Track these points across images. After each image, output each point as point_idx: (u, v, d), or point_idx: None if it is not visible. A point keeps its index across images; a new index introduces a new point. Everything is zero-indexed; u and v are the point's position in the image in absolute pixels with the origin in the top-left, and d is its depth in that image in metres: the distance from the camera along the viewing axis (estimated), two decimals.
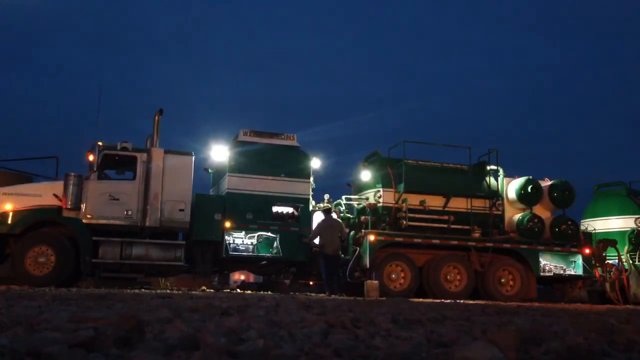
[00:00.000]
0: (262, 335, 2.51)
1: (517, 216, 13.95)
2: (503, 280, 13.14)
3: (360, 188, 14.08)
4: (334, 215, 12.79)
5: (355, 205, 13.81)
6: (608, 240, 14.43)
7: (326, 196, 13.57)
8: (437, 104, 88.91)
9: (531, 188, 13.88)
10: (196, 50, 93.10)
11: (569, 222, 14.02)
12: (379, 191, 13.26)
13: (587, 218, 16.30)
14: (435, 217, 13.18)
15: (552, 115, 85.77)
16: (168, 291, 10.80)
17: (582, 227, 14.92)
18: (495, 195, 13.83)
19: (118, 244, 11.39)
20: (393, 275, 12.50)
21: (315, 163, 13.30)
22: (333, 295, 10.94)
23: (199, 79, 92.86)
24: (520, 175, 14.33)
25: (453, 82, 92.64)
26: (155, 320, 3.15)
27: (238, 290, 15.57)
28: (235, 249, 12.17)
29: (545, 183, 14.33)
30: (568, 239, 13.88)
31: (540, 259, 13.49)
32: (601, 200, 16.64)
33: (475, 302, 10.81)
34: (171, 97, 75.00)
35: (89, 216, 11.37)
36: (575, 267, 13.74)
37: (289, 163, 12.97)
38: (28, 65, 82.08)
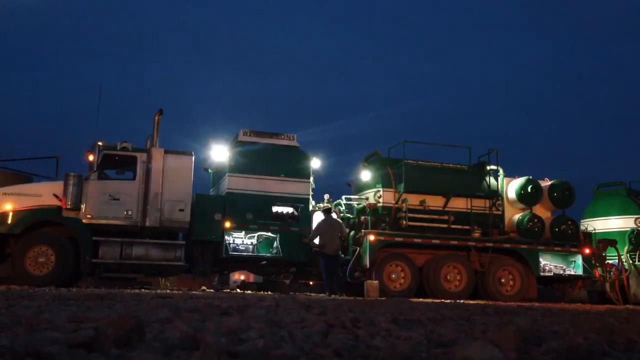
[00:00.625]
0: (262, 335, 2.51)
1: (517, 216, 13.96)
2: (503, 280, 13.14)
3: (360, 188, 14.08)
4: (334, 215, 12.79)
5: (355, 205, 13.82)
6: (608, 240, 14.44)
7: (326, 196, 13.59)
8: (437, 104, 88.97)
9: (531, 188, 13.88)
10: (196, 50, 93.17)
11: (569, 222, 14.04)
12: (379, 191, 13.27)
13: (587, 218, 16.31)
14: (435, 217, 13.18)
15: (552, 115, 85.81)
16: (168, 291, 10.81)
17: (582, 227, 14.93)
18: (495, 195, 13.84)
19: (118, 244, 11.40)
20: (393, 275, 12.50)
21: (315, 163, 13.30)
22: (333, 295, 10.95)
23: (199, 79, 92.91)
24: (520, 175, 14.34)
25: (453, 82, 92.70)
26: (155, 320, 3.15)
27: (238, 290, 15.57)
28: (235, 249, 12.17)
29: (545, 183, 14.34)
30: (568, 239, 13.89)
31: (540, 259, 13.50)
32: (601, 200, 16.65)
33: (475, 302, 10.82)
34: (171, 97, 75.05)
35: (89, 216, 11.37)
36: (575, 267, 13.75)
37: (289, 163, 12.98)
38: (28, 65, 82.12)
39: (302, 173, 12.98)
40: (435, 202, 13.29)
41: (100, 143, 11.74)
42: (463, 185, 13.71)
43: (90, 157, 11.53)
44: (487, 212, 13.65)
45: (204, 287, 14.47)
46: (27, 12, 78.23)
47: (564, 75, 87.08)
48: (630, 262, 14.67)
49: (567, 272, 13.70)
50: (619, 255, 14.56)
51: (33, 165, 15.59)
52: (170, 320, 3.20)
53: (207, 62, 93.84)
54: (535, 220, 13.65)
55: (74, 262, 11.18)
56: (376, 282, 11.90)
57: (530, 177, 14.11)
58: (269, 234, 12.39)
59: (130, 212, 11.52)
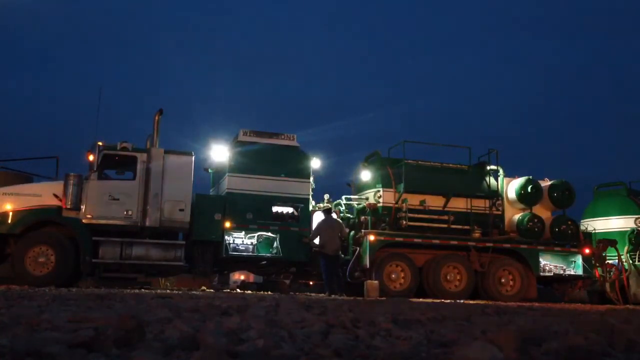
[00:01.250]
0: (262, 335, 2.51)
1: (517, 216, 13.96)
2: (503, 280, 13.14)
3: (360, 188, 14.08)
4: (334, 215, 12.79)
5: (355, 205, 13.81)
6: (608, 240, 14.44)
7: (326, 196, 13.59)
8: (437, 104, 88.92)
9: (531, 188, 13.88)
10: (196, 51, 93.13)
11: (569, 222, 14.03)
12: (379, 191, 13.27)
13: (587, 218, 16.30)
14: (435, 217, 13.18)
15: (552, 115, 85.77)
16: (168, 291, 10.80)
17: (582, 227, 14.92)
18: (495, 195, 13.83)
19: (118, 244, 11.40)
20: (393, 275, 12.50)
21: (315, 163, 13.30)
22: (333, 295, 10.94)
23: (199, 79, 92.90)
24: (520, 175, 14.34)
25: (453, 82, 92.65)
26: (155, 320, 3.15)
27: (238, 290, 15.57)
28: (235, 249, 12.17)
29: (545, 183, 14.33)
30: (568, 239, 13.89)
31: (540, 259, 13.50)
32: (601, 200, 16.65)
33: (475, 302, 10.81)
34: (171, 97, 74.99)
35: (89, 216, 11.37)
36: (575, 267, 13.75)
37: (289, 163, 12.97)
38: (28, 65, 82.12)
39: (302, 173, 12.98)
40: (435, 202, 13.28)
41: (100, 143, 11.74)
42: (463, 185, 13.71)
43: (90, 157, 11.53)
44: (487, 212, 13.65)
45: (204, 287, 14.47)
46: (27, 12, 78.21)
47: (564, 75, 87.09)
48: (630, 262, 14.67)
49: (567, 272, 13.70)
50: (619, 255, 14.56)
51: (33, 165, 15.59)
52: (170, 320, 3.20)
53: (207, 62, 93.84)
54: (535, 220, 13.65)
55: (74, 262, 11.17)
56: (376, 282, 11.89)
57: (530, 177, 14.11)
58: (269, 234, 12.38)
59: (130, 212, 11.52)
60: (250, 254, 12.25)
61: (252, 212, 12.38)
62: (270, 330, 2.86)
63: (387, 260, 12.50)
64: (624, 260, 14.64)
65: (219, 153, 12.95)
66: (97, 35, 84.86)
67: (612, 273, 14.45)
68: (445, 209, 13.28)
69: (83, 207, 11.35)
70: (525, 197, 13.89)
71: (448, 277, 12.71)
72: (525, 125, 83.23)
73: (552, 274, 13.58)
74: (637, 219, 15.43)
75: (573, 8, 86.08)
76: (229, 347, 2.11)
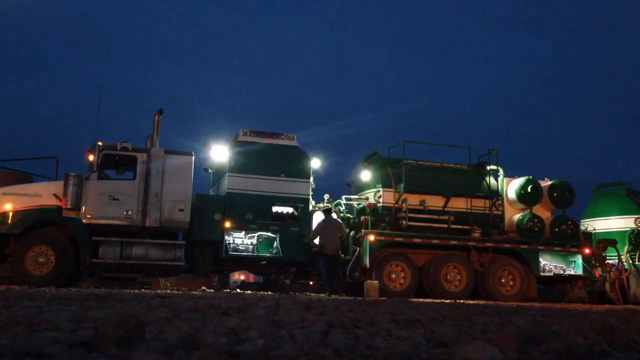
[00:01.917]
0: (262, 335, 2.51)
1: (517, 216, 13.96)
2: (503, 280, 13.14)
3: (360, 188, 14.09)
4: (334, 215, 12.79)
5: (355, 205, 13.82)
6: (608, 240, 14.44)
7: (326, 196, 13.58)
8: (437, 104, 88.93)
9: (531, 188, 13.88)
10: (196, 50, 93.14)
11: (569, 222, 14.04)
12: (379, 191, 13.27)
13: (587, 218, 16.31)
14: (435, 217, 13.18)
15: (552, 115, 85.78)
16: (168, 291, 10.80)
17: (582, 227, 14.92)
18: (495, 195, 13.83)
19: (118, 244, 11.39)
20: (393, 275, 12.50)
21: (315, 163, 13.30)
22: (333, 295, 10.94)
23: (199, 79, 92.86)
24: (520, 175, 14.34)
25: (453, 82, 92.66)
26: (155, 320, 3.15)
27: (238, 290, 15.57)
28: (235, 249, 12.17)
29: (545, 183, 14.34)
30: (568, 239, 13.89)
31: (540, 259, 13.50)
32: (601, 200, 16.65)
33: (475, 302, 10.81)
34: (171, 97, 75.02)
35: (89, 216, 11.37)
36: (575, 267, 13.75)
37: (289, 163, 12.97)
38: (28, 65, 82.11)
39: (302, 173, 12.98)
40: (435, 202, 13.28)
41: (100, 143, 11.74)
42: (463, 185, 13.70)
43: (90, 157, 11.53)
44: (487, 212, 13.65)
45: (204, 287, 14.46)
46: (27, 12, 78.24)
47: (564, 75, 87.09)
48: (630, 262, 14.67)
49: (567, 272, 13.70)
50: (619, 255, 14.56)
51: (33, 165, 15.60)
52: (170, 320, 3.20)
53: (207, 62, 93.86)
54: (535, 220, 13.65)
55: (74, 262, 11.17)
56: (376, 282, 11.89)
57: (530, 177, 14.11)
58: (269, 234, 12.39)
59: (130, 212, 11.51)
60: (250, 254, 12.25)
61: (252, 212, 12.38)
62: (270, 330, 2.86)
63: (387, 260, 12.50)
64: (624, 260, 14.64)
65: (219, 153, 12.94)
66: (97, 35, 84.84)
67: (612, 273, 14.44)
68: (445, 209, 13.28)
69: (83, 207, 11.34)
70: (525, 197, 13.89)
71: (448, 277, 12.72)
72: (525, 125, 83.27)
73: (552, 274, 13.58)
74: (637, 219, 15.43)
75: (573, 8, 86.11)
76: (229, 347, 2.11)
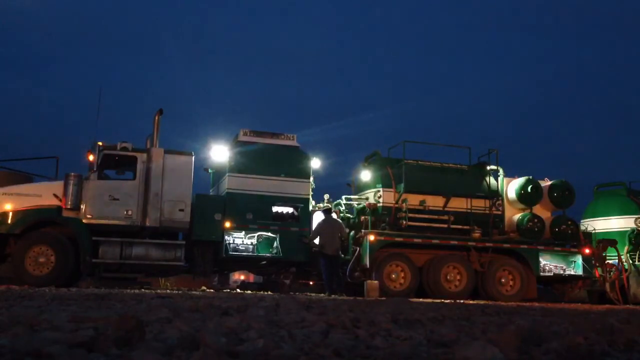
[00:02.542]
0: (262, 335, 2.51)
1: (517, 216, 13.96)
2: (503, 280, 13.14)
3: (360, 188, 14.09)
4: (334, 215, 12.79)
5: (355, 205, 13.82)
6: (608, 240, 14.44)
7: (326, 196, 13.58)
8: (437, 104, 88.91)
9: (531, 188, 13.88)
10: (196, 50, 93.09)
11: (569, 222, 14.03)
12: (379, 191, 13.27)
13: (587, 218, 16.32)
14: (435, 217, 13.18)
15: (553, 115, 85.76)
16: (168, 291, 10.80)
17: (582, 227, 14.92)
18: (495, 195, 13.83)
19: (118, 244, 11.39)
20: (393, 275, 12.50)
21: (315, 163, 13.31)
22: (333, 295, 10.95)
23: (199, 79, 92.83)
24: (520, 175, 14.34)
25: (453, 83, 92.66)
26: (155, 320, 3.15)
27: (238, 290, 15.57)
28: (235, 249, 12.17)
29: (545, 183, 14.34)
30: (568, 239, 13.89)
31: (540, 259, 13.50)
32: (601, 200, 16.65)
33: (475, 302, 10.81)
34: (171, 97, 74.97)
35: (89, 216, 11.37)
36: (575, 267, 13.75)
37: (289, 163, 12.97)
38: (28, 65, 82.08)
39: (302, 173, 12.98)
40: (435, 202, 13.28)
41: (100, 143, 11.73)
42: (463, 185, 13.70)
43: (90, 157, 11.53)
44: (487, 212, 13.65)
45: (204, 287, 14.45)
46: (27, 12, 78.22)
47: (564, 75, 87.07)
48: (630, 262, 14.67)
49: (567, 272, 13.70)
50: (619, 255, 14.56)
51: (33, 165, 15.59)
52: (170, 320, 3.20)
53: (207, 62, 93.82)
54: (535, 220, 13.65)
55: (74, 262, 11.17)
56: (376, 282, 11.89)
57: (530, 177, 14.11)
58: (269, 234, 12.39)
59: (130, 212, 11.52)
60: (250, 254, 12.25)
61: (252, 212, 12.38)
62: (270, 330, 2.86)
63: (387, 260, 12.50)
64: (624, 260, 14.64)
65: (219, 153, 12.94)
66: (97, 35, 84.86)
67: (612, 273, 14.44)
68: (445, 209, 13.28)
69: (83, 207, 11.34)
70: (525, 197, 13.89)
71: (448, 277, 12.71)
72: (525, 125, 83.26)
73: (552, 274, 13.58)
74: (637, 219, 15.43)
75: (573, 8, 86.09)
76: (229, 347, 2.11)
